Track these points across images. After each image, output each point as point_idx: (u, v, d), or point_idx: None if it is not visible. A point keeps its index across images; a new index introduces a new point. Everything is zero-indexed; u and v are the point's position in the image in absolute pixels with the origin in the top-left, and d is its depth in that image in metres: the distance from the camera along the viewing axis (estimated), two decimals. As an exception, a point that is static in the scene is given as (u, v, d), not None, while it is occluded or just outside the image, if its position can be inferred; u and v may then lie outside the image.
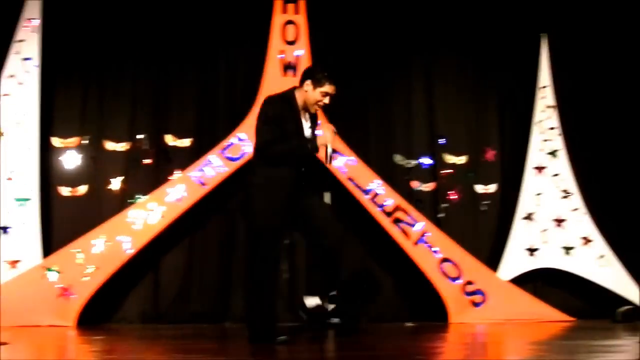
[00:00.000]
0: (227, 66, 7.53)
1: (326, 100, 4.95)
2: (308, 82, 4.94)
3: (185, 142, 7.35)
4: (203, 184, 7.04)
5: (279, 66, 7.29)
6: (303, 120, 5.00)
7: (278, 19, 7.36)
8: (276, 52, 7.31)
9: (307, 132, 5.04)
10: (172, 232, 7.06)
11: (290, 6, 7.38)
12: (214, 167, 7.06)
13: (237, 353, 4.80)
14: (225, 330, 6.64)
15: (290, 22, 7.38)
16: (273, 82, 7.23)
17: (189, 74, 7.48)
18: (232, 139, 7.13)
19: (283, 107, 4.91)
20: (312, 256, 5.09)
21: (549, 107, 7.64)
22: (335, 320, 5.17)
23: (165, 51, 7.42)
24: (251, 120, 7.13)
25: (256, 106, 7.14)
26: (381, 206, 7.13)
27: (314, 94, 4.92)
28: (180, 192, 7.00)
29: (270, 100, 4.96)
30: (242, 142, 7.12)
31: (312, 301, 5.07)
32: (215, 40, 7.49)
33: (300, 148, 4.92)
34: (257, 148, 4.90)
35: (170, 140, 7.33)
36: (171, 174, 7.20)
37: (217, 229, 7.32)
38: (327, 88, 4.93)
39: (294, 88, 5.02)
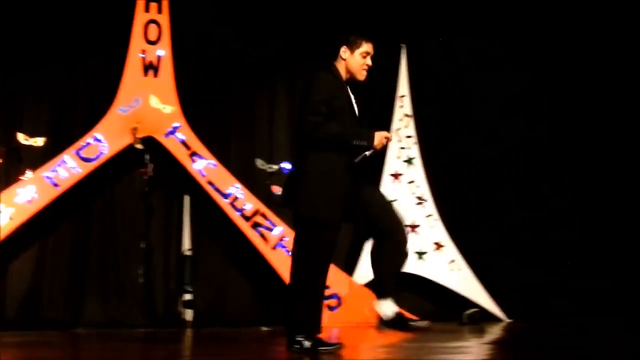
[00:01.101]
0: (86, 64, 7.29)
1: (368, 61, 4.58)
2: (344, 49, 4.55)
3: (39, 142, 7.06)
4: (56, 185, 6.79)
5: (139, 65, 7.15)
6: (351, 95, 4.56)
7: (140, 17, 7.21)
8: (137, 51, 7.17)
9: (356, 109, 4.60)
10: (21, 235, 6.76)
11: (153, 5, 7.26)
12: (68, 168, 6.83)
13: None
14: (76, 336, 6.44)
15: (152, 21, 7.25)
16: (133, 81, 7.11)
17: (44, 70, 7.18)
18: (88, 139, 6.93)
19: (333, 82, 4.47)
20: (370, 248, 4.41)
21: (406, 115, 7.88)
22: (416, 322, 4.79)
23: (19, 45, 7.09)
24: (110, 120, 6.98)
25: (115, 106, 7.00)
26: (240, 210, 7.13)
27: (354, 59, 4.55)
28: (30, 193, 6.72)
29: (320, 76, 4.46)
30: (99, 142, 6.92)
31: (388, 309, 4.61)
32: (75, 37, 7.23)
33: (354, 136, 4.41)
34: (307, 130, 4.34)
35: (22, 138, 7.02)
36: (22, 174, 6.90)
37: (70, 232, 7.08)
38: (366, 47, 4.57)
39: (332, 63, 4.56)
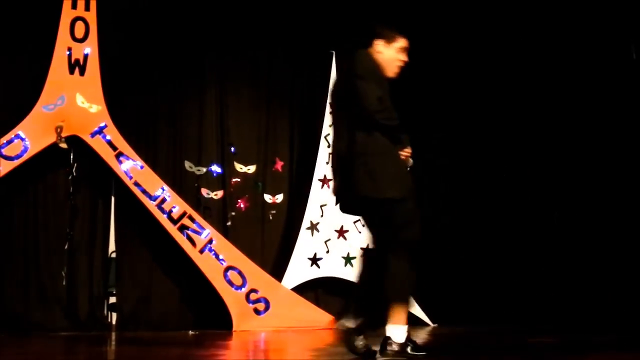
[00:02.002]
0: (9, 60, 7.07)
1: (404, 57, 4.39)
2: (379, 42, 4.36)
3: (-42, 139, 6.82)
4: (-24, 184, 6.57)
5: (65, 63, 6.98)
6: None
7: (67, 14, 7.04)
8: (63, 49, 6.99)
9: None
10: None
11: (81, 2, 7.10)
12: (-12, 166, 6.62)
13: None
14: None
15: (80, 18, 7.09)
16: (58, 79, 6.94)
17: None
18: (11, 137, 6.72)
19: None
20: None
21: (336, 121, 7.92)
22: None
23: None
24: (33, 118, 6.79)
25: (39, 104, 6.82)
26: (168, 213, 7.03)
27: (390, 54, 4.37)
28: (-52, 191, 6.48)
29: (369, 57, 4.30)
30: (22, 140, 6.73)
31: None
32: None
33: (398, 132, 4.29)
34: (373, 109, 4.14)
35: (-60, 136, 6.76)
36: (-60, 171, 6.65)
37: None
38: (402, 42, 4.39)
39: (366, 52, 4.37)
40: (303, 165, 7.91)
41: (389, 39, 4.39)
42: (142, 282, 7.21)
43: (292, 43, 7.97)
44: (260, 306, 7.17)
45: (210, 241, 7.11)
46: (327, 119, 7.89)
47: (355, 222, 7.70)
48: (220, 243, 7.16)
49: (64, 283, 6.78)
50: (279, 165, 7.85)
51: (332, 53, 7.97)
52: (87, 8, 7.11)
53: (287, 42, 7.96)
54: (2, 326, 6.61)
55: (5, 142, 6.70)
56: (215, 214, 7.52)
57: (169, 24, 7.53)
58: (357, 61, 4.30)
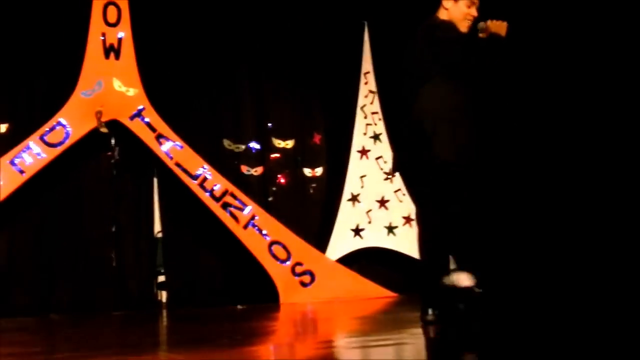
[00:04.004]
0: (45, 47, 7.16)
1: (473, 11, 4.39)
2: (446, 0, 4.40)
3: (2, 128, 6.94)
4: (22, 172, 6.69)
5: (100, 48, 7.05)
6: None
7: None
8: (97, 34, 7.06)
9: None
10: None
11: (112, -14, 7.17)
12: (33, 154, 6.73)
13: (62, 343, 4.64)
14: (51, 322, 6.38)
15: (111, 3, 7.15)
16: (94, 64, 7.00)
17: (2, 56, 7.03)
18: (53, 124, 6.83)
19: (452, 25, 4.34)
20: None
21: (371, 92, 7.92)
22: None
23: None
24: (73, 104, 6.89)
25: (78, 90, 6.91)
26: (210, 191, 7.11)
27: (458, 8, 4.37)
28: (-5, 180, 6.62)
29: (439, 19, 4.38)
30: (64, 127, 6.84)
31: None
32: (33, 20, 7.09)
33: None
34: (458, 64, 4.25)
35: (-17, 126, 6.91)
36: (-13, 161, 6.79)
37: (38, 219, 6.98)
38: None
39: (434, 16, 4.42)
40: (340, 137, 7.92)
41: None
42: (188, 260, 7.32)
43: (324, 14, 7.94)
44: (306, 278, 7.24)
45: (253, 217, 7.17)
46: (362, 90, 7.90)
47: (396, 192, 7.71)
48: (263, 218, 7.23)
49: (113, 264, 6.91)
50: (317, 138, 7.88)
51: (364, 24, 7.95)
52: (118, -8, 7.17)
53: (318, 13, 7.93)
54: (56, 308, 6.78)
55: (47, 129, 6.81)
56: (256, 190, 7.58)
57: (202, 4, 7.56)
58: (429, 26, 4.34)
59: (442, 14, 4.41)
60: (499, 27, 4.30)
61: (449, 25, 4.34)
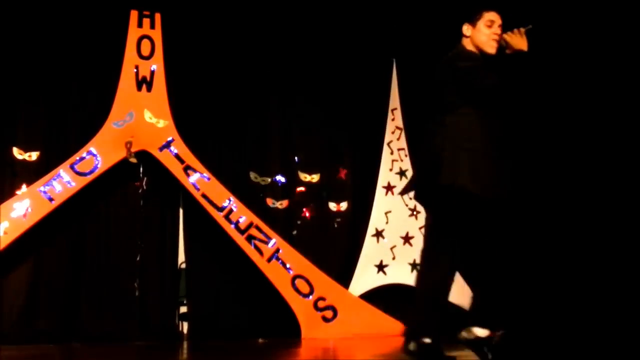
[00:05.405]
0: (79, 78, 7.30)
1: (495, 29, 4.28)
2: (467, 26, 4.33)
3: (33, 156, 7.06)
4: (51, 200, 6.80)
5: (133, 80, 7.19)
6: None
7: (133, 33, 7.27)
8: (131, 66, 7.21)
9: None
10: (16, 249, 6.76)
11: (146, 20, 7.32)
12: (63, 182, 6.84)
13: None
14: (72, 350, 6.42)
15: (145, 36, 7.31)
16: (127, 96, 7.15)
17: (38, 85, 7.19)
18: (83, 154, 6.95)
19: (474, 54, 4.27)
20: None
21: (398, 128, 7.95)
22: None
23: (13, 60, 7.10)
24: (104, 134, 7.01)
25: (109, 120, 7.03)
26: (235, 223, 7.15)
27: (479, 32, 4.30)
28: (25, 207, 6.72)
29: (461, 47, 4.32)
30: (94, 157, 6.94)
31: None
32: (68, 52, 7.25)
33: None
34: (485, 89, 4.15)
35: (16, 153, 7.02)
36: (18, 188, 6.91)
37: (65, 246, 7.07)
38: (487, 15, 4.30)
39: (458, 45, 4.37)
40: (366, 173, 7.94)
41: (473, 19, 4.32)
42: (211, 292, 7.34)
43: (353, 51, 8.01)
44: (329, 314, 7.22)
45: (277, 250, 7.20)
46: (389, 127, 7.93)
47: (420, 228, 7.70)
48: (287, 252, 7.25)
49: (136, 294, 6.96)
50: (343, 173, 7.91)
51: (393, 60, 8.01)
52: (152, 26, 7.32)
53: (348, 50, 8.01)
54: (78, 336, 6.83)
55: (78, 158, 6.93)
56: (280, 223, 7.61)
57: (229, 36, 7.68)
58: (451, 57, 4.26)
59: (466, 42, 4.36)
60: (517, 40, 4.24)
61: (470, 54, 4.30)
